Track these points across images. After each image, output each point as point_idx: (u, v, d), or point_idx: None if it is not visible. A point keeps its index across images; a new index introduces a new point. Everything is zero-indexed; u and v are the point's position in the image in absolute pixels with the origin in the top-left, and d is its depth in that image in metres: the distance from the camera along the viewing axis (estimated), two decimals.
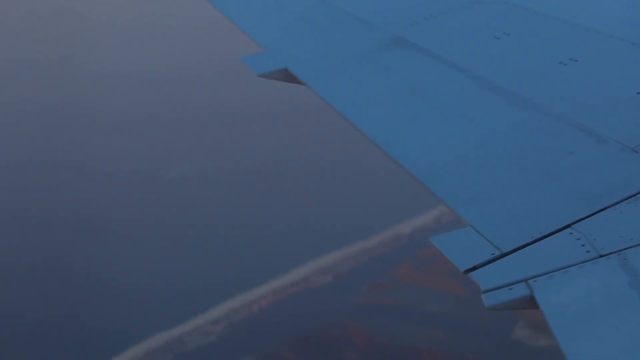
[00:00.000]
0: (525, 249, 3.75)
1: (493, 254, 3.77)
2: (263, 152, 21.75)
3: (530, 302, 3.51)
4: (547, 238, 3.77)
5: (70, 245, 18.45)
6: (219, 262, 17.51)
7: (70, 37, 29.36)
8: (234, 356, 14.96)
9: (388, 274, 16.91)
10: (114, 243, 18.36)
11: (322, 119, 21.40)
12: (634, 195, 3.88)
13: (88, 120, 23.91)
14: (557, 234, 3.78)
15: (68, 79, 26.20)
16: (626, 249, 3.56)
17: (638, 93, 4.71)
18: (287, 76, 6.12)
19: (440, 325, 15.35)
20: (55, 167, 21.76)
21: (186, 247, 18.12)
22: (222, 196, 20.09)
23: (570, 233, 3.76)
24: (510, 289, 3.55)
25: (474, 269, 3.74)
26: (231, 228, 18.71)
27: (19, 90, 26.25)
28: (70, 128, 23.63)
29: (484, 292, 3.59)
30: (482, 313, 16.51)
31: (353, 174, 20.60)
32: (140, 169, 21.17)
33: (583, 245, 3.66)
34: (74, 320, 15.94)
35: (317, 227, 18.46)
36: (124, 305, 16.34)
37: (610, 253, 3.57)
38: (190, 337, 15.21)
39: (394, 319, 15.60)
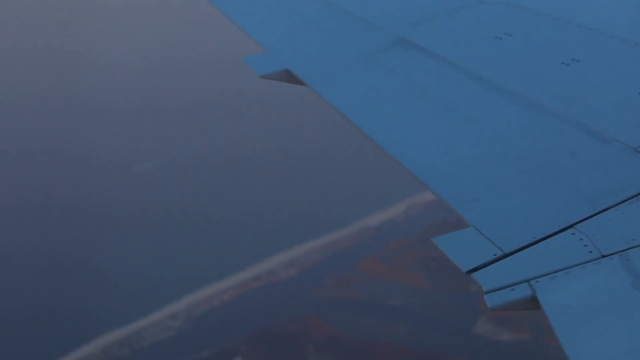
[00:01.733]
0: (527, 249, 3.75)
1: (495, 255, 3.77)
2: (239, 146, 21.73)
3: (532, 303, 3.50)
4: (550, 238, 3.77)
5: (29, 233, 18.39)
6: (182, 256, 17.43)
7: (71, 37, 29.37)
8: (192, 351, 14.90)
9: (354, 267, 16.88)
10: (75, 236, 18.23)
11: (306, 114, 21.42)
12: (636, 196, 3.88)
13: (94, 112, 23.97)
14: (560, 234, 3.78)
15: (67, 78, 26.21)
16: (628, 249, 3.56)
17: None
18: (289, 77, 6.12)
19: (401, 319, 15.32)
20: (50, 156, 21.79)
21: (149, 240, 18.02)
22: (187, 189, 20.00)
23: (573, 233, 3.76)
24: (513, 289, 3.55)
25: (476, 269, 3.74)
26: (195, 221, 18.63)
27: None
28: (74, 118, 23.67)
29: (487, 292, 3.59)
30: (445, 307, 16.55)
31: (326, 167, 20.54)
32: (119, 160, 21.21)
33: (585, 245, 3.66)
34: (27, 316, 15.82)
35: (286, 220, 18.41)
36: (80, 300, 16.22)
37: (613, 253, 3.57)
38: (148, 332, 15.14)
39: (355, 313, 15.56)
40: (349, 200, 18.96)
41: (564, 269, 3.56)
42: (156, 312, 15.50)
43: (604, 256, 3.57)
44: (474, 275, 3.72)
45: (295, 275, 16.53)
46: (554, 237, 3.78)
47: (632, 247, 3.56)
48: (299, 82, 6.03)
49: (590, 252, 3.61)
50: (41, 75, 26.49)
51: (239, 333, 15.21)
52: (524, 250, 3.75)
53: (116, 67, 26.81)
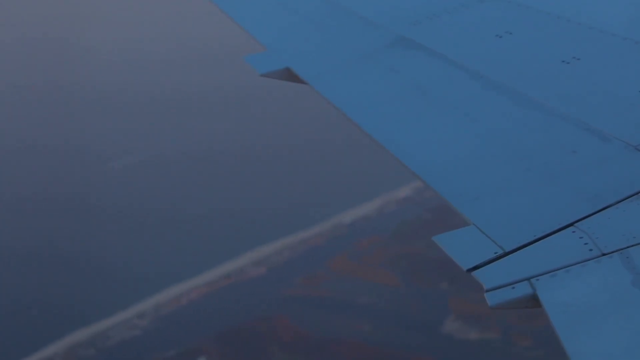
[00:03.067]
0: (527, 247, 3.76)
1: (496, 253, 3.77)
2: (222, 143, 21.68)
3: (532, 301, 3.51)
4: (550, 237, 3.77)
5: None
6: (152, 254, 17.36)
7: (70, 33, 29.36)
8: (157, 351, 14.85)
9: (324, 265, 16.83)
10: (44, 231, 18.16)
11: (307, 113, 21.40)
12: (637, 194, 3.88)
13: (93, 107, 23.99)
14: (560, 232, 3.78)
15: (67, 73, 26.23)
16: (629, 247, 3.56)
17: None
18: (290, 75, 6.12)
19: (369, 317, 15.29)
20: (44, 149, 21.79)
21: (118, 237, 17.93)
22: (162, 186, 19.93)
23: (573, 232, 3.76)
24: (513, 287, 3.55)
25: (476, 267, 3.74)
26: (165, 218, 18.55)
27: None
28: (74, 113, 23.67)
29: (487, 291, 3.59)
30: (414, 305, 16.55)
31: (304, 164, 20.49)
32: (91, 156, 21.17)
33: (586, 243, 3.66)
34: None
35: (259, 217, 18.36)
36: (44, 299, 16.12)
37: (613, 251, 3.57)
38: (115, 331, 15.08)
39: (323, 312, 15.52)
40: (323, 197, 18.92)
41: (564, 267, 3.56)
42: (124, 311, 15.44)
43: (604, 254, 3.57)
44: (474, 273, 3.72)
45: (265, 273, 16.47)
46: (554, 235, 3.78)
47: (632, 245, 3.56)
48: (300, 81, 6.03)
49: (591, 250, 3.61)
50: (40, 69, 26.50)
51: (205, 332, 15.16)
52: (525, 248, 3.76)
53: (116, 64, 26.83)
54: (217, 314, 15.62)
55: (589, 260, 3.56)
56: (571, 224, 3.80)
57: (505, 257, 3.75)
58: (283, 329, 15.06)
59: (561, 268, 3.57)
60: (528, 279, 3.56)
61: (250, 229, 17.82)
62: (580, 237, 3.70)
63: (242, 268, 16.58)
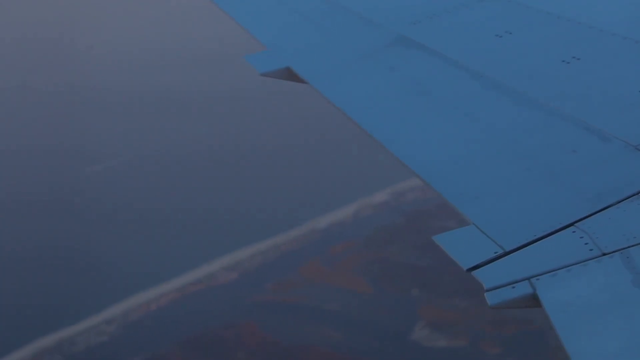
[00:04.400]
0: (528, 247, 3.76)
1: (496, 253, 3.77)
2: (212, 143, 21.58)
3: (533, 301, 3.51)
4: (550, 236, 3.77)
5: None
6: (122, 259, 17.18)
7: (69, 32, 29.35)
8: (122, 357, 14.72)
9: (296, 270, 16.68)
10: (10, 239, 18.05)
11: (307, 112, 21.38)
12: (637, 194, 3.88)
13: (93, 106, 23.98)
14: (560, 232, 3.78)
15: (65, 73, 26.21)
16: (629, 247, 3.56)
17: None
18: (290, 75, 6.12)
19: (338, 324, 15.13)
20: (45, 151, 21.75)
21: (86, 242, 17.77)
22: (139, 187, 19.78)
23: (573, 231, 3.76)
24: (513, 287, 3.55)
25: (476, 267, 3.74)
26: (138, 221, 18.39)
27: None
28: (76, 113, 23.66)
29: (487, 290, 3.59)
30: (384, 312, 16.45)
31: (281, 167, 20.37)
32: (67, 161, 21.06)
33: (586, 243, 3.66)
34: None
35: (233, 221, 18.23)
36: (10, 304, 15.97)
37: (613, 251, 3.57)
38: (81, 338, 14.93)
39: (292, 318, 15.37)
40: (300, 201, 18.79)
41: (564, 267, 3.57)
42: (91, 317, 15.29)
43: (604, 254, 3.57)
44: (475, 273, 3.72)
45: (236, 279, 16.33)
46: (554, 235, 3.78)
47: (632, 245, 3.56)
48: (300, 80, 6.03)
49: (591, 250, 3.61)
50: (40, 69, 26.47)
51: (171, 339, 15.02)
52: (525, 248, 3.76)
53: (115, 63, 26.81)
54: (185, 320, 15.48)
55: (589, 260, 3.56)
56: (571, 224, 3.80)
57: (505, 257, 3.75)
58: (250, 336, 14.94)
59: (561, 268, 3.57)
60: (528, 278, 3.56)
61: (224, 233, 17.67)
62: (581, 237, 3.70)
63: (214, 273, 16.45)
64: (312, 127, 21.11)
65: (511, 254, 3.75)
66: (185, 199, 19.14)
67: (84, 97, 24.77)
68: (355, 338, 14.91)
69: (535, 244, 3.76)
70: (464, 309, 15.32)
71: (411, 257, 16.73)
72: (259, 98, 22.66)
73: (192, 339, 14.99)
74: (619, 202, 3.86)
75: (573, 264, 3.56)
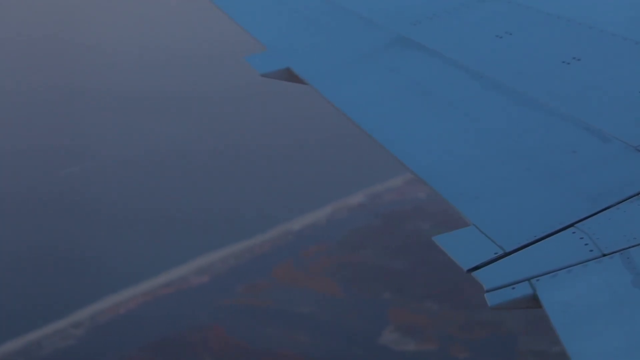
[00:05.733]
0: (528, 248, 3.75)
1: (496, 253, 3.77)
2: (208, 142, 21.50)
3: (533, 301, 3.51)
4: (550, 237, 3.77)
5: None
6: (91, 261, 17.05)
7: (69, 32, 29.35)
8: None
9: (268, 273, 16.59)
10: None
11: (307, 113, 21.34)
12: (637, 194, 3.88)
13: (93, 106, 23.95)
14: (560, 233, 3.78)
15: (65, 72, 26.20)
16: (629, 247, 3.56)
17: None
18: (290, 76, 6.12)
19: (307, 328, 15.04)
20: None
21: (55, 244, 17.64)
22: (114, 189, 19.64)
23: (574, 232, 3.76)
24: (513, 288, 3.55)
25: (476, 268, 3.74)
26: (108, 222, 18.25)
27: None
28: (77, 112, 23.64)
29: (487, 291, 3.59)
30: (354, 315, 16.41)
31: (252, 171, 20.29)
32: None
33: (586, 244, 3.65)
34: None
35: (203, 223, 18.14)
36: None
37: (614, 252, 3.57)
38: (48, 341, 14.83)
39: (261, 321, 15.28)
40: (275, 203, 18.72)
41: (564, 268, 3.57)
42: (60, 320, 15.20)
43: (604, 255, 3.57)
44: (475, 274, 3.72)
45: (207, 281, 16.24)
46: (554, 235, 3.78)
47: (633, 246, 3.56)
48: (300, 81, 6.03)
49: (591, 250, 3.61)
50: (40, 69, 26.46)
51: (138, 342, 14.93)
52: (525, 248, 3.76)
53: (115, 63, 26.81)
54: (153, 323, 15.39)
55: (589, 260, 3.56)
56: (571, 225, 3.80)
57: (505, 258, 3.74)
58: (217, 339, 14.86)
59: (561, 268, 3.57)
60: (528, 279, 3.56)
61: (197, 236, 17.57)
62: (581, 238, 3.70)
63: (185, 276, 16.37)
64: (303, 128, 21.08)
65: (511, 255, 3.75)
66: (159, 201, 19.05)
67: (83, 96, 24.76)
68: (323, 342, 14.85)
69: (535, 244, 3.76)
70: (435, 312, 15.28)
71: (384, 259, 16.68)
72: (262, 98, 22.64)
73: (158, 343, 14.93)
74: (619, 202, 3.86)
75: (573, 265, 3.56)
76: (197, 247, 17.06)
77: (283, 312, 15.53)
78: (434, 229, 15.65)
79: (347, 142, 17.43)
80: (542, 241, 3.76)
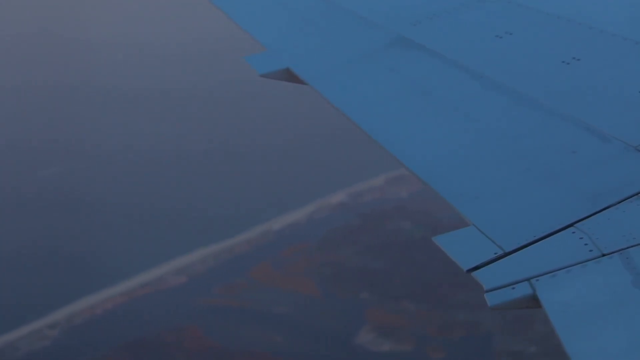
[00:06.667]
0: (528, 248, 3.75)
1: (496, 253, 3.77)
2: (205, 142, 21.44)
3: (533, 301, 3.51)
4: (550, 237, 3.77)
5: None
6: (68, 261, 16.99)
7: (69, 32, 29.34)
8: None
9: (246, 273, 16.55)
10: None
11: (307, 113, 21.31)
12: (637, 194, 3.88)
13: (94, 104, 23.94)
14: (560, 233, 3.78)
15: (65, 71, 26.20)
16: (629, 247, 3.56)
17: None
18: (289, 76, 6.11)
19: (283, 328, 15.00)
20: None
21: (33, 244, 17.58)
22: (98, 189, 19.58)
23: (573, 232, 3.76)
24: (513, 288, 3.55)
25: (476, 268, 3.74)
26: (86, 223, 18.19)
27: None
28: (81, 111, 23.62)
29: (487, 291, 3.59)
30: (331, 316, 16.41)
31: (235, 169, 20.23)
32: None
33: (586, 244, 3.65)
34: None
35: (183, 223, 18.09)
36: None
37: (613, 252, 3.57)
38: (23, 342, 14.80)
39: (237, 322, 15.24)
40: (255, 202, 18.67)
41: (564, 268, 3.56)
42: (36, 321, 15.16)
43: (604, 255, 3.57)
44: (474, 274, 3.72)
45: (185, 282, 16.21)
46: (554, 235, 3.78)
47: (632, 246, 3.56)
48: (299, 81, 6.03)
49: (591, 250, 3.61)
50: (40, 68, 26.46)
51: (111, 343, 14.90)
52: (525, 249, 3.75)
53: (115, 63, 26.82)
54: (129, 324, 15.36)
55: (589, 260, 3.56)
56: (571, 225, 3.80)
57: (505, 258, 3.74)
58: (192, 340, 14.83)
59: (561, 268, 3.56)
60: (528, 279, 3.56)
61: (176, 236, 17.54)
62: (580, 238, 3.70)
63: (162, 276, 16.33)
64: (297, 129, 21.04)
65: (511, 255, 3.75)
66: (137, 201, 18.99)
67: (83, 96, 24.77)
68: (299, 342, 14.82)
69: (535, 244, 3.76)
70: (411, 312, 15.26)
71: (364, 259, 16.65)
72: (262, 98, 22.63)
73: (133, 343, 14.90)
74: (619, 202, 3.86)
75: (573, 265, 3.56)
76: (176, 247, 17.03)
77: (260, 313, 15.52)
78: (414, 228, 15.61)
79: (335, 142, 17.42)
80: (542, 241, 3.76)
